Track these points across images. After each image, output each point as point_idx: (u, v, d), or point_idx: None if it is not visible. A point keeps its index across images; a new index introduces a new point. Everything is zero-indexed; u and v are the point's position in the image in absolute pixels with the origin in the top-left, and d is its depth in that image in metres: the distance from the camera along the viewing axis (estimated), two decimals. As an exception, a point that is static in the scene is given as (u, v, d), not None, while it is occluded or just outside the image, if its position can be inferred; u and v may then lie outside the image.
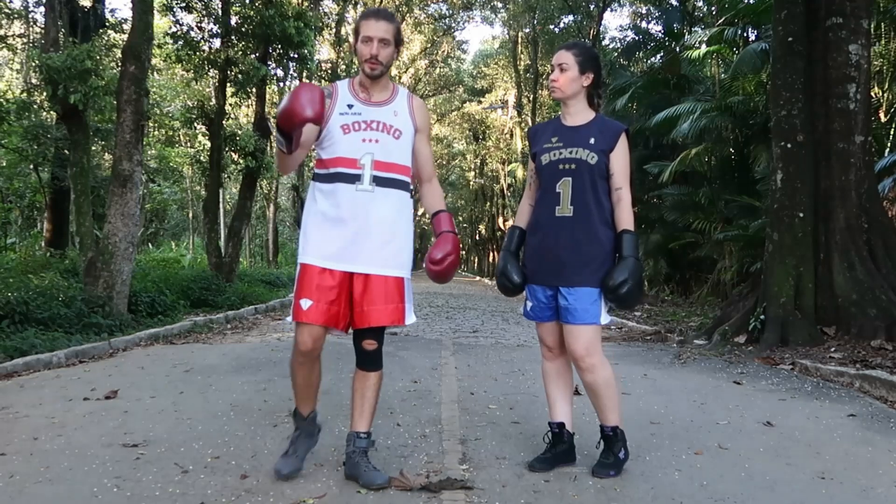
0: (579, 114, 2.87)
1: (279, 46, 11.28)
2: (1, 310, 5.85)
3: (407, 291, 2.68)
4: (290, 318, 2.66)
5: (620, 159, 2.80)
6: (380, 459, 2.88)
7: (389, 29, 2.60)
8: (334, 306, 2.56)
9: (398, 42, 2.64)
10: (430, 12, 27.67)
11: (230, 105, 12.25)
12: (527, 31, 26.46)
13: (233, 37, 11.19)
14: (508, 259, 2.95)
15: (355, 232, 2.57)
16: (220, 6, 11.19)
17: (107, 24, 10.25)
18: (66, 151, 10.22)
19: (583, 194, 2.76)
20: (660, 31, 15.99)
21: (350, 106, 2.63)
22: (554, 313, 2.85)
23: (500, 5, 26.55)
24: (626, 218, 2.78)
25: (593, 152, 2.77)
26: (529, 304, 2.93)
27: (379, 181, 2.58)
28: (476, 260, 52.91)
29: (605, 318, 2.78)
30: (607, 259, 2.78)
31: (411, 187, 2.74)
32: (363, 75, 2.65)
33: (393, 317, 2.61)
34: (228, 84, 11.25)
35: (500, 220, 35.88)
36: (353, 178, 2.57)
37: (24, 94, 10.74)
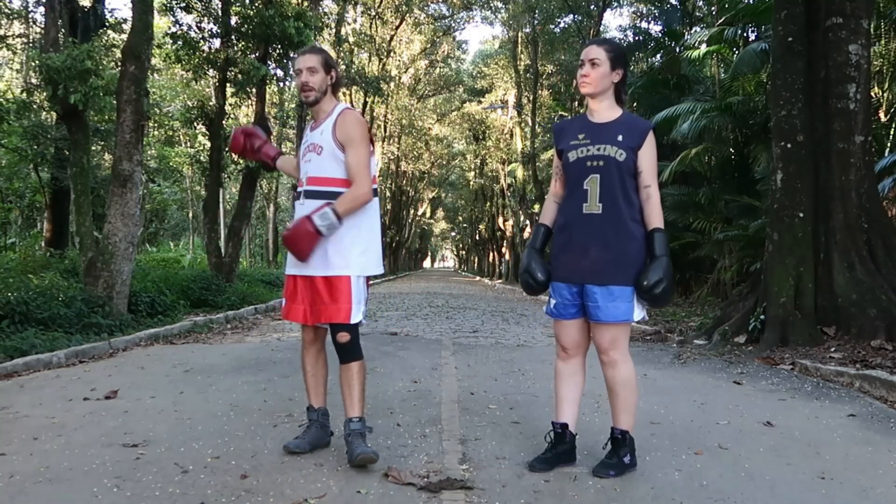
0: (607, 110, 2.84)
1: (279, 46, 11.28)
2: (1, 310, 5.86)
3: (355, 290, 2.89)
4: None
5: (648, 157, 2.76)
6: (380, 459, 2.86)
7: (314, 58, 2.95)
8: (297, 305, 2.98)
9: (328, 67, 2.96)
10: (430, 12, 27.67)
11: (230, 105, 12.25)
12: (527, 31, 26.41)
13: (233, 37, 11.19)
14: (533, 256, 2.92)
15: None
16: (219, 6, 11.19)
17: (107, 24, 10.23)
18: (66, 151, 10.23)
19: (611, 191, 2.73)
20: (660, 31, 16.00)
21: (306, 136, 3.08)
22: (578, 311, 2.81)
23: (500, 5, 26.55)
24: (656, 216, 2.75)
25: (621, 149, 2.73)
26: (553, 301, 2.88)
27: (308, 194, 2.95)
28: (476, 260, 52.88)
29: (638, 315, 2.77)
30: (639, 257, 2.74)
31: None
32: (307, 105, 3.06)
33: (340, 315, 2.87)
34: (228, 84, 11.25)
35: (500, 220, 35.88)
36: (299, 195, 3.02)
37: (24, 94, 10.73)
